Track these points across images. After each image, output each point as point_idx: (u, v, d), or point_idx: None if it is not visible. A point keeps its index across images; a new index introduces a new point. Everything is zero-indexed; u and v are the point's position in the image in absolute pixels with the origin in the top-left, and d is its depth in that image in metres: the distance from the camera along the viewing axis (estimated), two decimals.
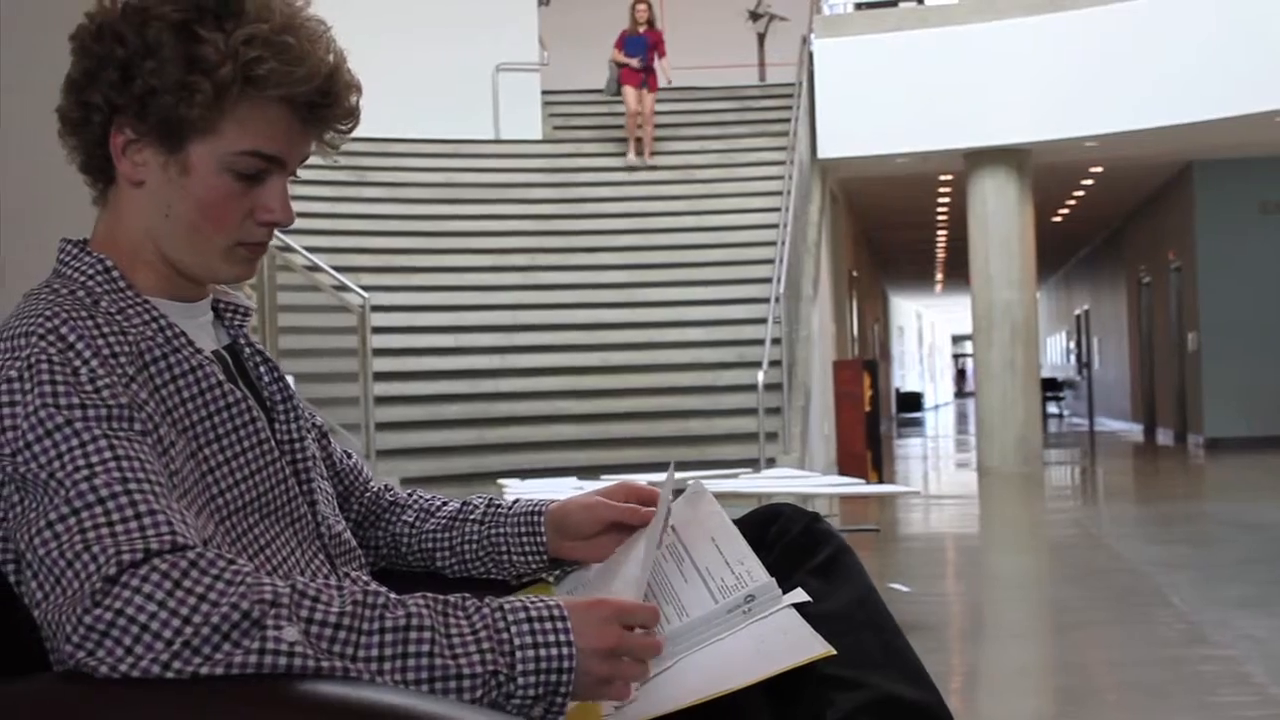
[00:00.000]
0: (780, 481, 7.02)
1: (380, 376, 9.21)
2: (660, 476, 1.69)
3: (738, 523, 1.61)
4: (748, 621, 1.45)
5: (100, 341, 1.35)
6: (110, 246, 1.46)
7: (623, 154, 13.45)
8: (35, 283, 1.46)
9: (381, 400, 9.13)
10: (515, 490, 6.42)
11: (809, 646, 1.41)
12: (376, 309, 9.20)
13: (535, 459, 9.70)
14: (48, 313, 1.35)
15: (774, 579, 1.48)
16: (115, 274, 1.43)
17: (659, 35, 13.81)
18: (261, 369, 1.58)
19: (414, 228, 12.08)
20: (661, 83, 13.73)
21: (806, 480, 7.44)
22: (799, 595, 1.48)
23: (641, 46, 13.58)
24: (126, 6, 1.40)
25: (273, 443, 1.49)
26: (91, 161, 1.46)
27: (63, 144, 1.47)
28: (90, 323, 1.36)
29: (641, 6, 13.70)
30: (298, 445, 1.55)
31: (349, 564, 1.57)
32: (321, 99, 1.44)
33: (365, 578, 1.57)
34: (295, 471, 1.53)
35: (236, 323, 1.59)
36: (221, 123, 1.40)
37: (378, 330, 9.34)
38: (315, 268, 9.08)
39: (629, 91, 13.53)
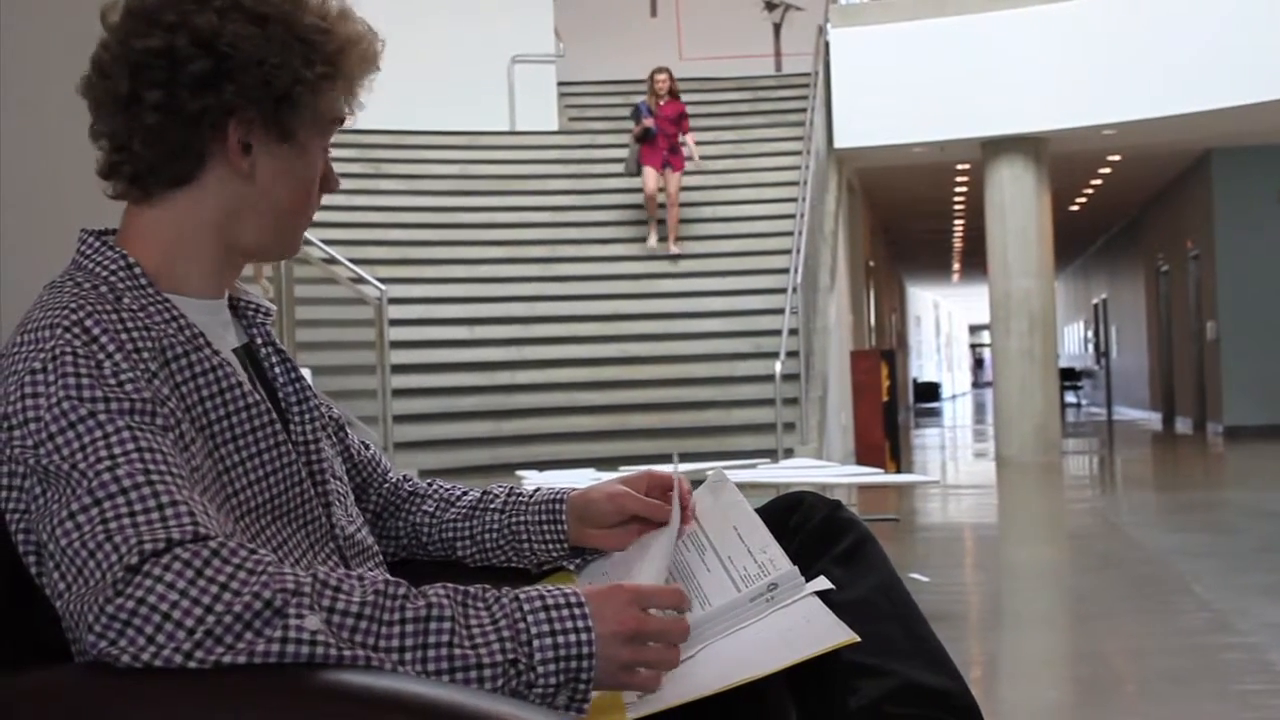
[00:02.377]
0: (798, 472, 7.01)
1: (397, 369, 9.22)
2: (686, 467, 1.69)
3: (759, 511, 1.61)
4: (771, 610, 1.45)
5: (124, 336, 1.35)
6: (154, 240, 1.45)
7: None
8: (31, 272, 1.46)
9: (399, 393, 9.14)
10: (533, 482, 6.42)
11: (832, 634, 1.41)
12: (393, 301, 9.21)
13: (553, 450, 9.70)
14: (72, 305, 1.35)
15: (797, 567, 1.48)
16: (137, 270, 1.43)
17: (682, 107, 12.12)
18: (278, 368, 1.58)
19: (430, 220, 12.10)
20: (688, 166, 12.09)
21: (825, 470, 7.43)
22: (822, 583, 1.49)
23: (650, 110, 11.98)
24: (223, 9, 1.40)
25: (289, 444, 1.49)
26: (169, 164, 1.43)
27: (140, 146, 1.42)
28: (114, 316, 1.36)
29: (661, 77, 12.01)
30: (313, 447, 1.55)
31: (363, 565, 1.56)
32: (375, 66, 1.52)
33: (384, 575, 1.56)
34: (310, 473, 1.53)
35: (257, 321, 1.59)
36: (328, 99, 1.47)
37: (395, 323, 9.34)
38: (332, 260, 9.09)
39: (648, 173, 11.90)
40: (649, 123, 11.89)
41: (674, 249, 11.86)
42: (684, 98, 13.73)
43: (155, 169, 1.43)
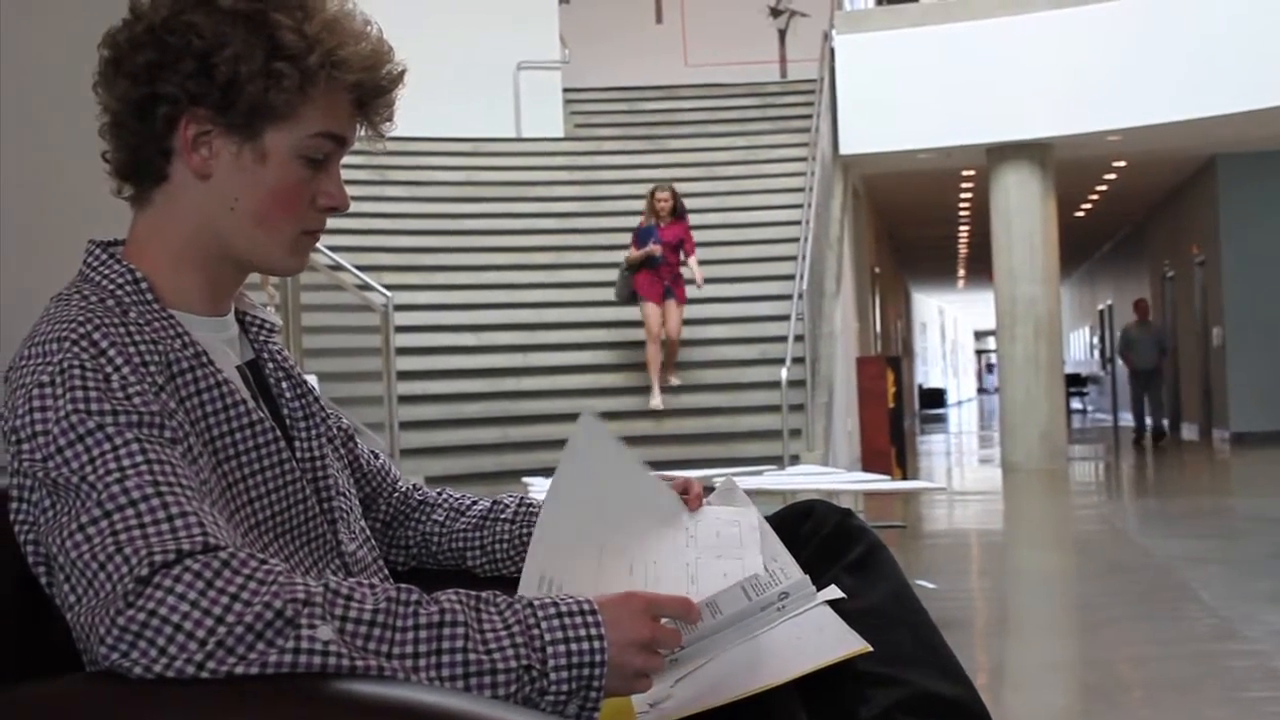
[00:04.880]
0: (805, 478, 7.00)
1: (404, 375, 9.22)
2: (691, 473, 1.68)
3: (770, 519, 1.61)
4: (782, 619, 1.44)
5: (132, 349, 1.35)
6: (154, 248, 1.45)
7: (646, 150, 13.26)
8: (36, 283, 1.46)
9: (405, 399, 9.14)
10: (540, 489, 6.41)
11: (844, 643, 1.41)
12: (399, 308, 9.21)
13: (559, 457, 9.63)
14: (80, 318, 1.35)
15: (808, 576, 1.48)
16: (144, 285, 1.42)
17: (685, 228, 10.55)
18: (284, 384, 1.57)
19: (436, 226, 12.11)
20: (691, 291, 10.51)
21: (831, 477, 7.42)
22: (833, 592, 1.48)
23: (654, 236, 10.41)
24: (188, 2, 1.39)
25: (293, 462, 1.49)
26: (139, 159, 1.43)
27: (109, 141, 1.44)
28: (121, 330, 1.36)
29: (663, 196, 10.48)
30: (318, 463, 1.55)
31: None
32: (389, 83, 1.47)
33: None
34: (316, 490, 1.53)
35: (261, 338, 1.58)
36: (302, 108, 1.41)
37: (401, 329, 9.34)
38: (338, 267, 9.09)
39: (649, 310, 10.34)
40: (656, 250, 10.34)
41: (674, 380, 10.58)
42: (689, 104, 13.64)
43: (126, 163, 1.44)
